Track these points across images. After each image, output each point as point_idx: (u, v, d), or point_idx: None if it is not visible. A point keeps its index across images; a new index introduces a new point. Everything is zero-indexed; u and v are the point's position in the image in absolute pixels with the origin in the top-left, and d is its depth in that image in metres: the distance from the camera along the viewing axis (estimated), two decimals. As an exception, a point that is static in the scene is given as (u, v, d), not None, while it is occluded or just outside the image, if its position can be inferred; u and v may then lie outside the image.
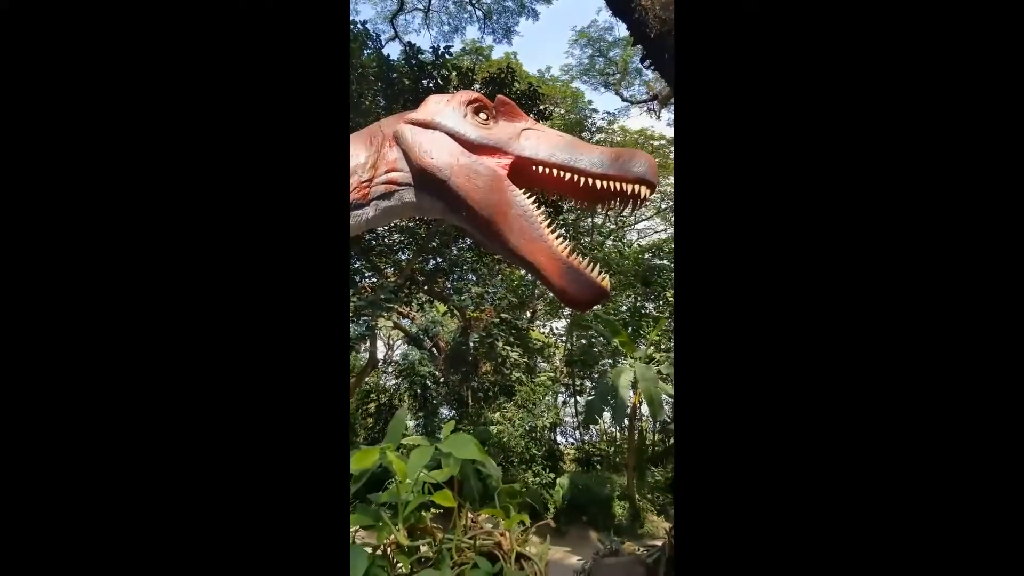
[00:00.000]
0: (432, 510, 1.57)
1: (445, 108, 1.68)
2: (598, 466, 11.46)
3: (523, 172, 1.65)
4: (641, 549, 6.43)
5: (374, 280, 9.83)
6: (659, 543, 6.36)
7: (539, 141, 1.65)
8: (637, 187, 1.56)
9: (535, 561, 1.53)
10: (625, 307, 13.81)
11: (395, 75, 8.44)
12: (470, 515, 1.63)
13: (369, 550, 1.33)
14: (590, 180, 1.57)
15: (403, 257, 10.18)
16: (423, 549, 1.49)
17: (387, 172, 1.65)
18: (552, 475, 9.82)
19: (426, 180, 1.62)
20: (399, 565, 1.41)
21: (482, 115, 1.68)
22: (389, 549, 1.47)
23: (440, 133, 1.64)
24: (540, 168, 1.63)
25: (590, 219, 14.38)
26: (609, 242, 14.70)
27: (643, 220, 16.88)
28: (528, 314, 13.18)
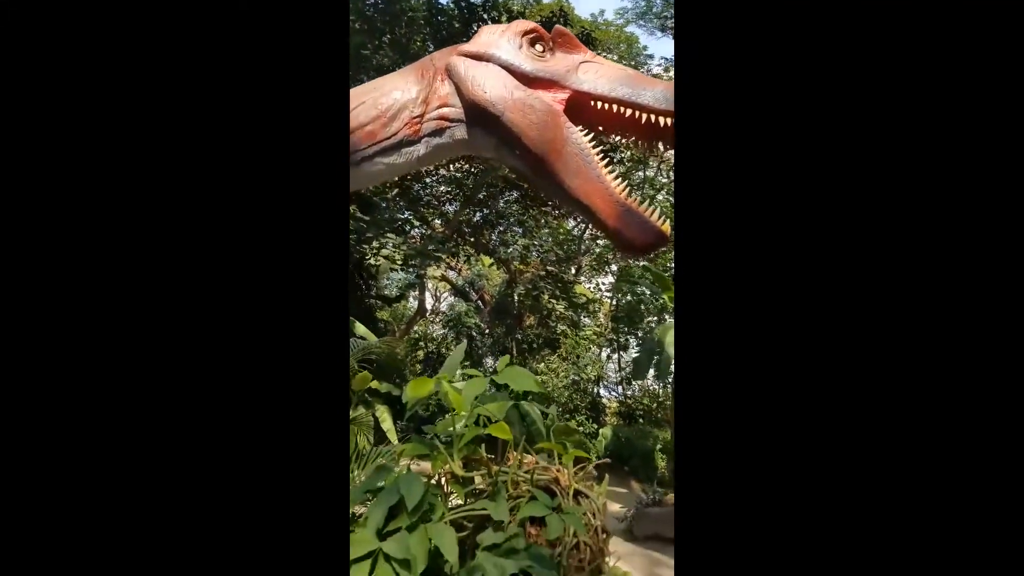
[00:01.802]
0: (483, 445, 1.59)
1: (499, 39, 1.60)
2: (640, 420, 11.52)
3: (581, 108, 1.57)
4: (682, 502, 6.49)
5: (422, 231, 9.93)
6: (701, 497, 6.38)
7: (598, 75, 1.55)
8: (702, 124, 1.45)
9: (593, 499, 1.53)
10: (674, 264, 13.45)
11: (444, 19, 8.21)
12: (524, 451, 1.64)
13: (424, 479, 1.35)
14: (652, 117, 1.48)
15: (450, 208, 10.18)
16: (477, 481, 1.51)
17: (439, 107, 1.60)
18: (595, 426, 9.94)
19: (479, 115, 1.56)
20: (453, 495, 1.43)
21: (538, 47, 1.59)
22: (444, 479, 1.50)
23: (494, 66, 1.57)
24: (599, 103, 1.54)
25: (642, 172, 13.89)
26: (660, 196, 14.22)
27: (697, 173, 16.13)
28: (573, 269, 13.07)
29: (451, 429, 1.44)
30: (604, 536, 1.62)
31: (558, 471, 1.57)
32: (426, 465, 1.49)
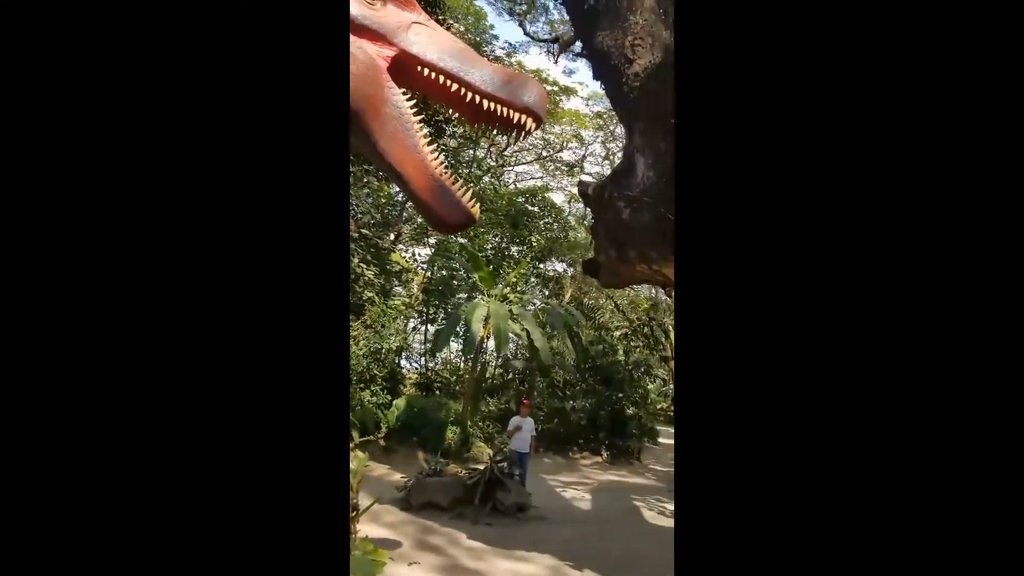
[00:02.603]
0: None
1: (326, -30, 1.43)
2: (438, 392, 11.82)
3: (406, 70, 1.48)
4: (463, 471, 6.84)
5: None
6: (481, 467, 6.81)
7: (430, 40, 1.48)
8: (523, 117, 1.48)
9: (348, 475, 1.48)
10: (490, 246, 14.02)
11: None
12: None
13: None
14: (476, 97, 1.46)
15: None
16: None
17: (244, 32, 1.38)
18: (389, 397, 9.91)
19: None
20: None
21: (370, -9, 1.46)
22: None
23: None
24: (425, 70, 1.47)
25: (472, 151, 14.09)
26: (487, 178, 14.61)
27: (523, 163, 17.01)
28: (392, 236, 12.76)
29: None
30: (354, 514, 1.59)
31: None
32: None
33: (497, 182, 15.32)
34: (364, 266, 9.92)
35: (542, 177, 17.04)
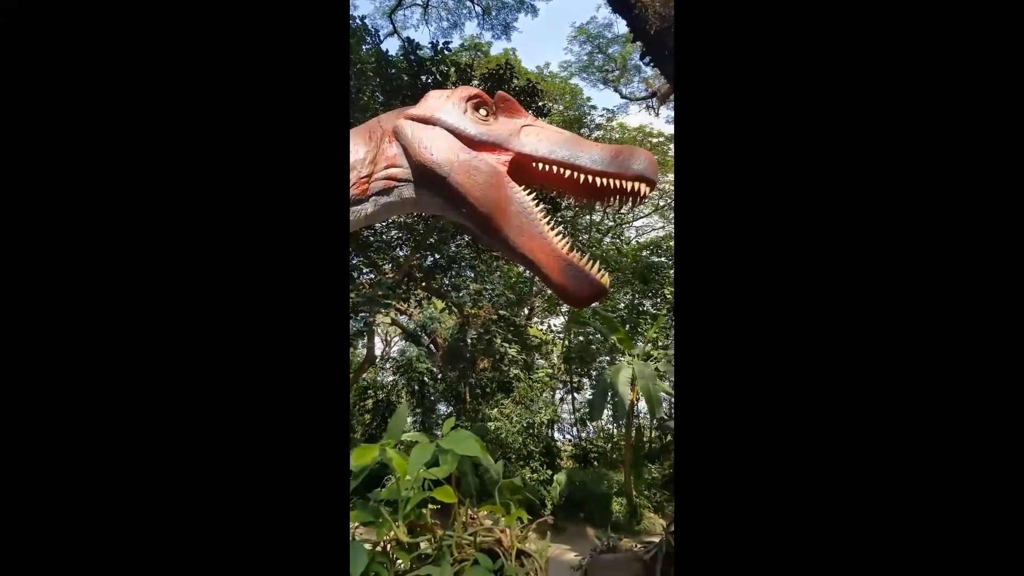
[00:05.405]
0: (431, 506, 1.57)
1: (445, 104, 1.67)
2: (595, 463, 11.49)
3: (523, 169, 1.64)
4: (638, 546, 6.44)
5: (372, 277, 9.81)
6: (656, 540, 6.37)
7: (539, 138, 1.64)
8: (637, 184, 1.55)
9: (535, 558, 1.53)
10: (623, 304, 13.84)
11: (393, 71, 8.41)
12: (469, 512, 1.62)
13: (369, 547, 1.32)
14: (590, 177, 1.57)
15: (401, 253, 10.16)
16: (423, 546, 1.48)
17: (386, 168, 1.64)
18: (549, 472, 9.83)
19: (426, 176, 1.61)
20: (399, 562, 1.40)
21: (482, 111, 1.67)
22: (389, 546, 1.46)
23: (440, 129, 1.63)
24: (540, 165, 1.62)
25: (588, 216, 14.37)
26: (607, 239, 14.70)
27: (641, 217, 16.89)
28: (526, 311, 13.20)
29: (398, 495, 1.43)
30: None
31: (502, 532, 1.56)
32: (373, 531, 1.47)
33: (619, 241, 15.32)
34: (506, 345, 10.30)
35: (664, 226, 16.71)
